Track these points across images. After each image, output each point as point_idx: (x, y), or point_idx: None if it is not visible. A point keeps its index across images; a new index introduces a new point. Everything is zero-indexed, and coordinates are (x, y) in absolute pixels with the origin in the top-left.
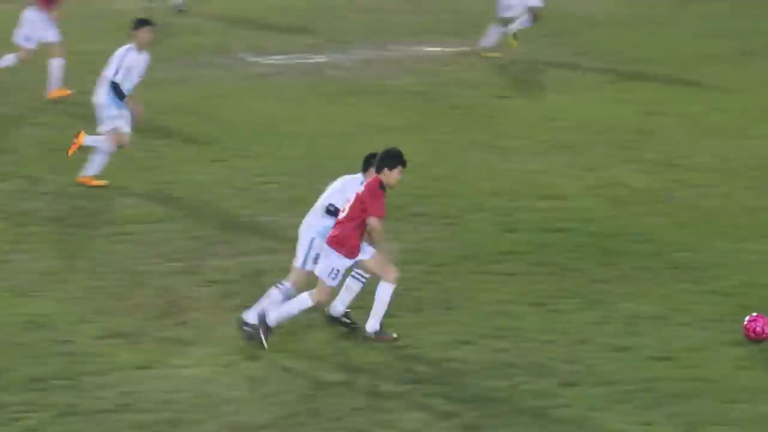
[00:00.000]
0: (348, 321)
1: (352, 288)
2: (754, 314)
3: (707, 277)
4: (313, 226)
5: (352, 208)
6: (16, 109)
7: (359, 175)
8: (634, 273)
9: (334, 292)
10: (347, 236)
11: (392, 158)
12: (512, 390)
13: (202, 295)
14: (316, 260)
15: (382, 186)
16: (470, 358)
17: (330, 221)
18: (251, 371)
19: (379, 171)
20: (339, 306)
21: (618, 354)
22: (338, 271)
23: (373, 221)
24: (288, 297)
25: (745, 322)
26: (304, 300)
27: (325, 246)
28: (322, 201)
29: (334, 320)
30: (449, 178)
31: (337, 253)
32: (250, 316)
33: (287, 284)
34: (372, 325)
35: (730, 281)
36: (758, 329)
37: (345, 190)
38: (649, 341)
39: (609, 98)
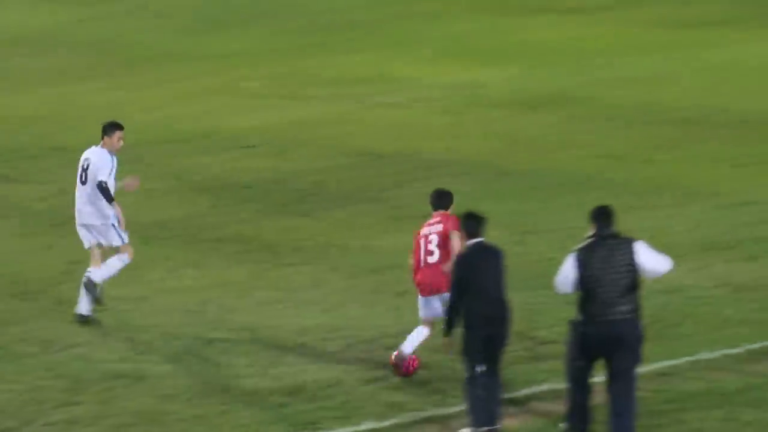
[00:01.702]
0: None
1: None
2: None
3: None
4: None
5: (440, 250)
6: None
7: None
8: None
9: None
10: (440, 277)
11: (451, 197)
12: None
13: None
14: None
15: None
16: None
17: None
18: None
19: (448, 207)
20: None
21: None
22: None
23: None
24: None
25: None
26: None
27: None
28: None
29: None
30: None
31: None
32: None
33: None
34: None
35: None
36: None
37: (106, 164)
38: None
39: None
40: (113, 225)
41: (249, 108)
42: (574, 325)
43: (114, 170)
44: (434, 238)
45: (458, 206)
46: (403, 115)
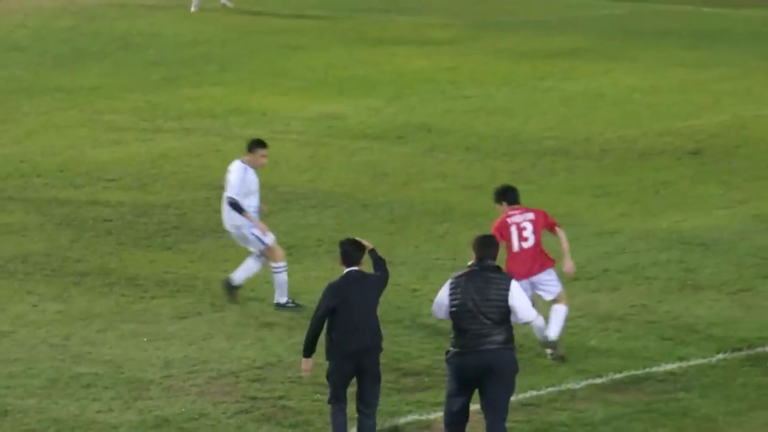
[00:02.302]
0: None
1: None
2: None
3: None
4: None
5: (534, 236)
6: None
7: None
8: None
9: None
10: (531, 261)
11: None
12: None
13: None
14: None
15: None
16: None
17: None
18: None
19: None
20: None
21: None
22: None
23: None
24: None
25: None
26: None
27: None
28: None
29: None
30: None
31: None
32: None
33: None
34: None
35: None
36: None
37: (237, 179)
38: None
39: None
40: (251, 233)
41: (109, 141)
42: (449, 356)
43: (250, 184)
44: (527, 225)
45: (321, 239)
46: None
